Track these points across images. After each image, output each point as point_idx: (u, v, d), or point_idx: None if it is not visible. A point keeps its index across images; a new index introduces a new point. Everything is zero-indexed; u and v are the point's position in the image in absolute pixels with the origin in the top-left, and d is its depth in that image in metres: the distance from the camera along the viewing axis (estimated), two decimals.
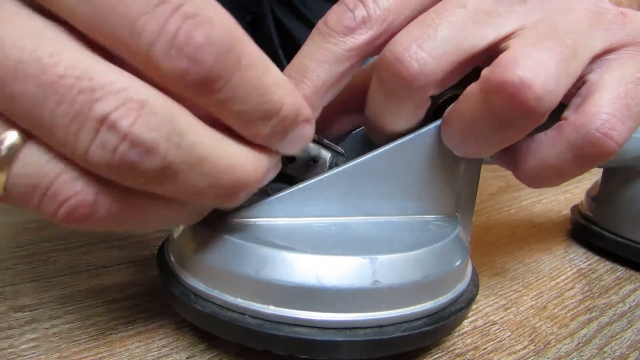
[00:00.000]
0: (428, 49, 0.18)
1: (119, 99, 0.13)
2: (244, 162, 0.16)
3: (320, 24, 0.20)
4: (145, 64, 0.13)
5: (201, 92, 0.14)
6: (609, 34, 0.19)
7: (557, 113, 0.19)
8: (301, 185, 0.20)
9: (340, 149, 0.23)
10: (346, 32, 0.19)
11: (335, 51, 0.19)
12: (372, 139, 0.23)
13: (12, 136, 0.13)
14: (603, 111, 0.18)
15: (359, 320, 0.18)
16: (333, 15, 0.19)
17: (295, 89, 0.18)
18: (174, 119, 0.14)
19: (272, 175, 0.18)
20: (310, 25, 0.49)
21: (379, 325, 0.18)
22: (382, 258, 0.18)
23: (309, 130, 0.18)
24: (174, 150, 0.14)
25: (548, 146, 0.19)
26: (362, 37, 0.19)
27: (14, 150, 0.13)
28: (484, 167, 0.23)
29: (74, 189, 0.14)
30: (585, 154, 0.18)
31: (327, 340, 0.18)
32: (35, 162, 0.13)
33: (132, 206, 0.15)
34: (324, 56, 0.19)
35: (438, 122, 0.21)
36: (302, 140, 0.18)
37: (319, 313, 0.18)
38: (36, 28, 0.13)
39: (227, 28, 0.14)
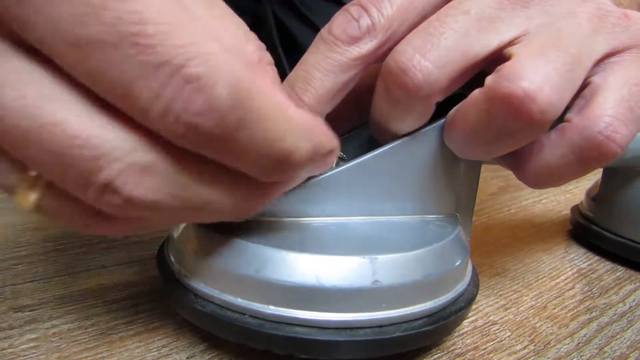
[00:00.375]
0: (432, 58, 0.18)
1: (121, 165, 0.13)
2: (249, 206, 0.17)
3: (324, 32, 0.20)
4: (144, 122, 0.13)
5: (204, 150, 0.14)
6: (612, 37, 0.19)
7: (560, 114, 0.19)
8: (301, 185, 0.20)
9: (340, 153, 0.23)
10: (351, 41, 0.19)
11: (340, 60, 0.19)
12: (377, 138, 0.23)
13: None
14: (606, 114, 0.18)
15: (359, 320, 0.18)
16: (337, 24, 0.19)
17: (313, 124, 0.16)
18: (176, 177, 0.14)
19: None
20: (311, 25, 0.48)
21: (379, 325, 0.18)
22: (382, 258, 0.18)
23: (331, 160, 0.18)
24: (179, 202, 0.14)
25: (551, 148, 0.19)
26: (366, 46, 0.19)
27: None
28: (484, 167, 0.23)
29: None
30: (588, 156, 0.18)
31: (327, 340, 0.18)
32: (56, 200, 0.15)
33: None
34: (329, 65, 0.19)
35: (438, 122, 0.21)
36: (321, 169, 0.19)
37: (318, 313, 0.18)
38: (40, 87, 0.12)
39: (234, 82, 0.13)
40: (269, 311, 0.18)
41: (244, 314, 0.18)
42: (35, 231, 0.33)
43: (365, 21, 0.19)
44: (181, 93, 0.12)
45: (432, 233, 0.21)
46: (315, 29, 0.49)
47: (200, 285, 0.19)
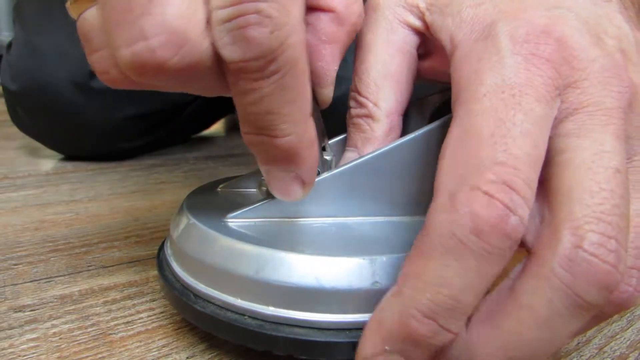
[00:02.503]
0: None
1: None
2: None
3: (464, 234, 0.14)
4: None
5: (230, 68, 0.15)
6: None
7: None
8: None
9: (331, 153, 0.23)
10: (513, 244, 0.15)
11: (497, 272, 0.15)
12: None
13: None
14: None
15: (359, 322, 0.18)
16: (489, 223, 0.14)
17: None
18: None
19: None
20: None
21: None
22: (382, 259, 0.18)
23: (295, 189, 0.18)
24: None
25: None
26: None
27: None
28: None
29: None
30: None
31: (326, 341, 0.18)
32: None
33: None
34: (487, 284, 0.15)
35: (438, 122, 0.21)
36: (283, 190, 0.18)
37: (318, 314, 0.18)
38: None
39: (287, 35, 0.14)
40: (268, 312, 0.18)
41: (244, 315, 0.18)
42: (35, 231, 0.33)
43: (519, 207, 0.14)
44: (248, 18, 0.13)
45: None
46: None
47: (200, 286, 0.19)
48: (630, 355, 0.23)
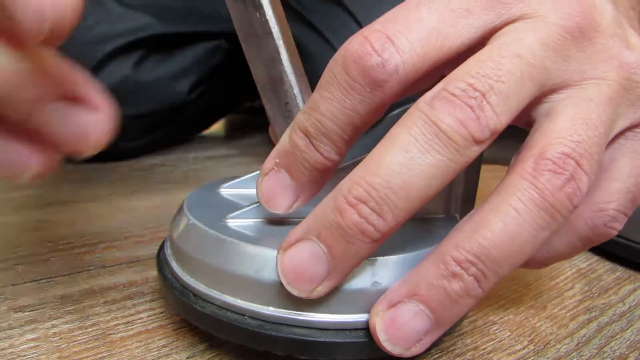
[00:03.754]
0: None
1: None
2: None
3: (335, 68, 0.17)
4: None
5: None
6: (632, 112, 0.19)
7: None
8: None
9: None
10: (372, 84, 0.17)
11: (361, 110, 0.17)
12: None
13: None
14: (611, 207, 0.19)
15: (359, 322, 0.18)
16: (352, 58, 0.17)
17: None
18: None
19: None
20: (307, 24, 0.48)
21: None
22: (382, 259, 0.18)
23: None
24: None
25: (559, 237, 0.20)
26: (391, 89, 0.17)
27: None
28: (484, 167, 0.23)
29: None
30: (593, 241, 0.20)
31: (326, 342, 0.18)
32: None
33: None
34: (349, 118, 0.17)
35: None
36: None
37: (318, 314, 0.18)
38: None
39: None
40: (268, 312, 0.18)
41: (244, 315, 0.18)
42: (35, 231, 0.33)
43: (391, 56, 0.16)
44: None
45: (431, 234, 0.21)
46: (312, 28, 0.49)
47: (200, 286, 0.19)
48: (630, 355, 0.23)
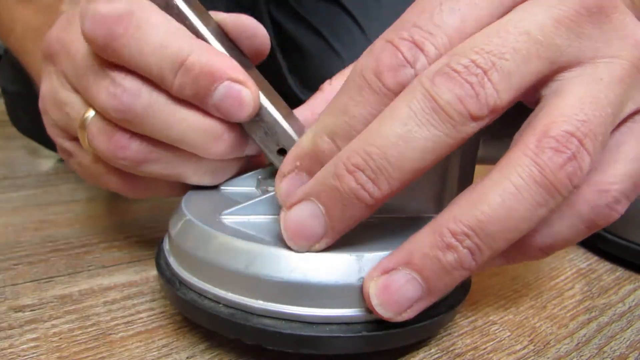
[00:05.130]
0: (495, 80, 0.17)
1: None
2: (195, 123, 0.21)
3: (368, 74, 0.17)
4: None
5: (105, 54, 0.20)
6: None
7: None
8: None
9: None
10: (398, 88, 0.17)
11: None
12: None
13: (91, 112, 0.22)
14: (614, 188, 0.18)
15: (345, 316, 0.18)
16: (384, 63, 0.17)
17: (211, 49, 0.21)
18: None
19: (239, 149, 0.23)
20: (307, 25, 0.48)
21: (364, 322, 0.19)
22: (369, 255, 0.19)
23: (243, 93, 0.20)
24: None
25: (560, 219, 0.19)
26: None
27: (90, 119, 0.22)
28: (480, 167, 0.23)
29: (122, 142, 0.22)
30: (596, 224, 0.19)
31: (312, 335, 0.18)
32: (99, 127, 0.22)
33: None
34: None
35: None
36: (234, 101, 0.21)
37: (305, 308, 0.18)
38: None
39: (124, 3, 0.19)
40: (257, 305, 0.18)
41: (218, 303, 0.19)
42: (35, 231, 0.33)
43: (422, 66, 0.17)
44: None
45: None
46: (312, 28, 0.49)
47: (195, 280, 0.20)
48: (630, 355, 0.23)
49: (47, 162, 0.52)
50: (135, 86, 0.21)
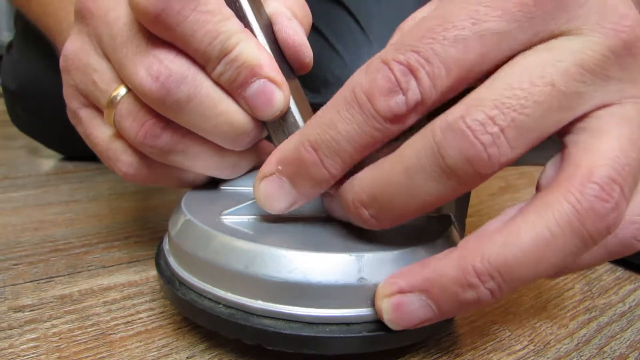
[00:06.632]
0: (510, 137, 0.16)
1: None
2: (232, 118, 0.21)
3: (359, 93, 0.17)
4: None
5: (155, 27, 0.19)
6: None
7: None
8: None
9: None
10: (394, 119, 0.16)
11: (377, 138, 0.17)
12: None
13: (123, 90, 0.21)
14: (638, 220, 0.18)
15: (345, 316, 0.18)
16: (379, 88, 0.16)
17: (258, 45, 0.21)
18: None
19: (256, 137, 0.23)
20: None
21: (364, 322, 0.19)
22: (369, 255, 0.19)
23: (276, 93, 0.20)
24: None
25: (590, 253, 0.18)
26: (409, 121, 0.17)
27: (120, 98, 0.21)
28: None
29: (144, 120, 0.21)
30: (618, 254, 0.19)
31: (311, 336, 0.18)
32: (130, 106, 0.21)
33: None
34: (364, 142, 0.17)
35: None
36: (265, 99, 0.20)
37: (305, 308, 0.18)
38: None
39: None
40: (257, 305, 0.18)
41: (237, 309, 0.19)
42: (35, 231, 0.33)
43: (413, 94, 0.16)
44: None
45: (421, 232, 0.21)
46: (313, 28, 0.49)
47: (183, 273, 0.20)
48: (630, 355, 0.23)
49: (47, 162, 0.52)
50: (182, 70, 0.20)
